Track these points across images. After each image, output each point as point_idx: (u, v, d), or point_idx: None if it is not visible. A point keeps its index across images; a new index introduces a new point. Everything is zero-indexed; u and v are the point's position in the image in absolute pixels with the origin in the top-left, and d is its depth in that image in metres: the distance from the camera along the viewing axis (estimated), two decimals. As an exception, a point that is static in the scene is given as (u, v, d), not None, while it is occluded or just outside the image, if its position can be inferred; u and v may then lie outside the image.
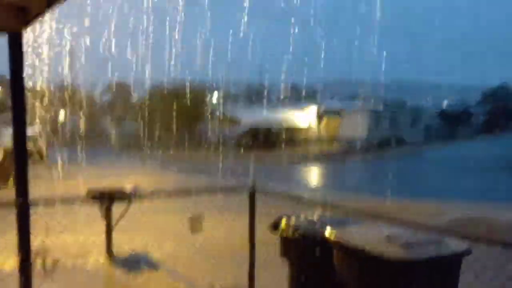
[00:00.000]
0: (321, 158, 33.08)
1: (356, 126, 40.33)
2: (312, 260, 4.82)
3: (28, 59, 5.20)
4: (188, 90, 42.38)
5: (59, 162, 17.69)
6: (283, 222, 5.25)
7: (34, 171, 5.87)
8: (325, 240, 4.54)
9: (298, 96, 50.69)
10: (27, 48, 5.19)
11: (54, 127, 19.83)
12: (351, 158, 32.66)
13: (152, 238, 8.05)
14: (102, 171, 14.82)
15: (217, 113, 43.19)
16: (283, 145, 38.78)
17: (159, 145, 22.99)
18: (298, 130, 43.01)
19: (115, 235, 7.91)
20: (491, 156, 30.62)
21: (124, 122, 41.43)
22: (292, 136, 42.34)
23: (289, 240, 5.07)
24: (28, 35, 5.20)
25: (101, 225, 7.62)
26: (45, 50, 5.53)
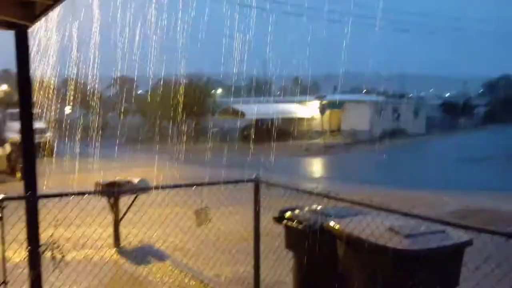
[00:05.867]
0: (324, 150, 33.15)
1: (359, 118, 40.37)
2: (317, 251, 4.89)
3: (35, 53, 5.26)
4: (193, 84, 42.46)
5: (67, 155, 17.77)
6: (288, 214, 5.32)
7: (42, 164, 5.97)
8: (329, 231, 4.61)
9: (301, 89, 50.68)
10: (33, 43, 5.25)
11: (61, 121, 19.93)
12: (354, 150, 32.72)
13: (159, 230, 8.14)
14: (109, 164, 14.91)
15: (222, 106, 43.23)
16: (287, 137, 38.87)
17: (165, 138, 23.11)
18: (302, 122, 43.05)
19: (122, 227, 8.01)
20: (492, 147, 30.63)
21: (130, 116, 41.52)
22: (295, 128, 42.43)
23: (294, 231, 5.13)
24: (34, 30, 5.26)
25: (109, 218, 7.71)
26: (51, 45, 5.59)
